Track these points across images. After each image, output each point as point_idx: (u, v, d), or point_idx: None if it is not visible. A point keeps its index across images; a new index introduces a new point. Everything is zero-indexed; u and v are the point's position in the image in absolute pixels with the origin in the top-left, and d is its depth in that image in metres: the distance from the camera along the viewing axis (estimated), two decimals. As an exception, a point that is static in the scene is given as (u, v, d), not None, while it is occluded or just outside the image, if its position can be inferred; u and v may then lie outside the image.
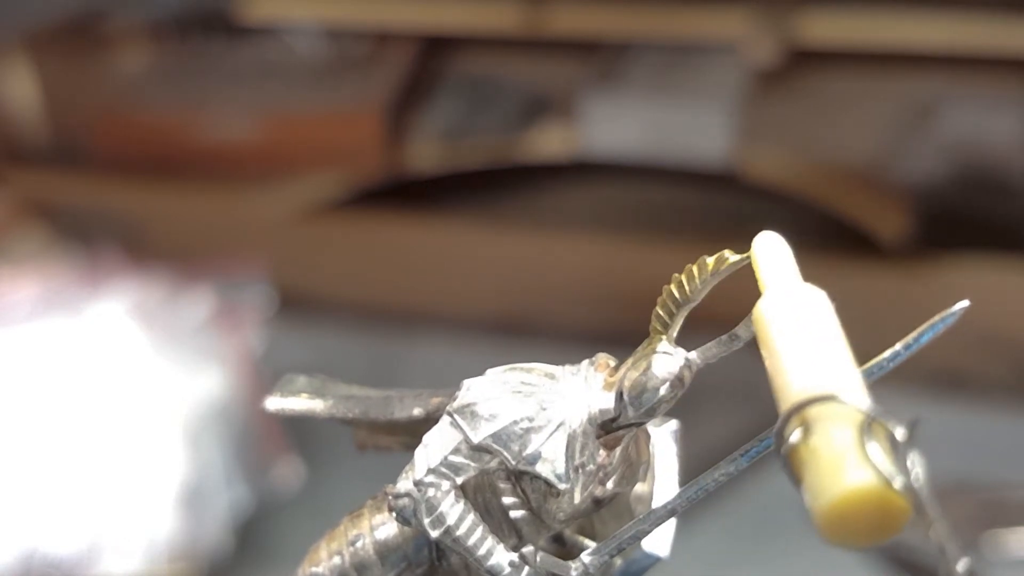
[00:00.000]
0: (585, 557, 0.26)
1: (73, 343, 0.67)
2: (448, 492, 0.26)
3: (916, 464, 0.21)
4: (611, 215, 0.91)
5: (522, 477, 0.26)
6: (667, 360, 0.25)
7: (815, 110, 0.89)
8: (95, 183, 0.96)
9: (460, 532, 0.26)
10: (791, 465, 0.22)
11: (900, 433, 0.21)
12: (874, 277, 0.79)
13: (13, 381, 0.66)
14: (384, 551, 0.28)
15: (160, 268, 0.74)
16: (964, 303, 0.24)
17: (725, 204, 0.89)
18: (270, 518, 0.69)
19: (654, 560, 0.27)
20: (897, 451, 0.21)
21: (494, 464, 0.26)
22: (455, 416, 0.26)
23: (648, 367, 0.25)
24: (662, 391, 0.25)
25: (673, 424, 0.29)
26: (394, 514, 0.26)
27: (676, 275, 0.25)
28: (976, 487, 0.68)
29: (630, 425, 0.26)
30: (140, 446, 0.65)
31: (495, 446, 0.25)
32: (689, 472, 0.28)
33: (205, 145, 0.95)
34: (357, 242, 0.91)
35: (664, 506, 0.26)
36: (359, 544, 0.28)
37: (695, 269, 0.25)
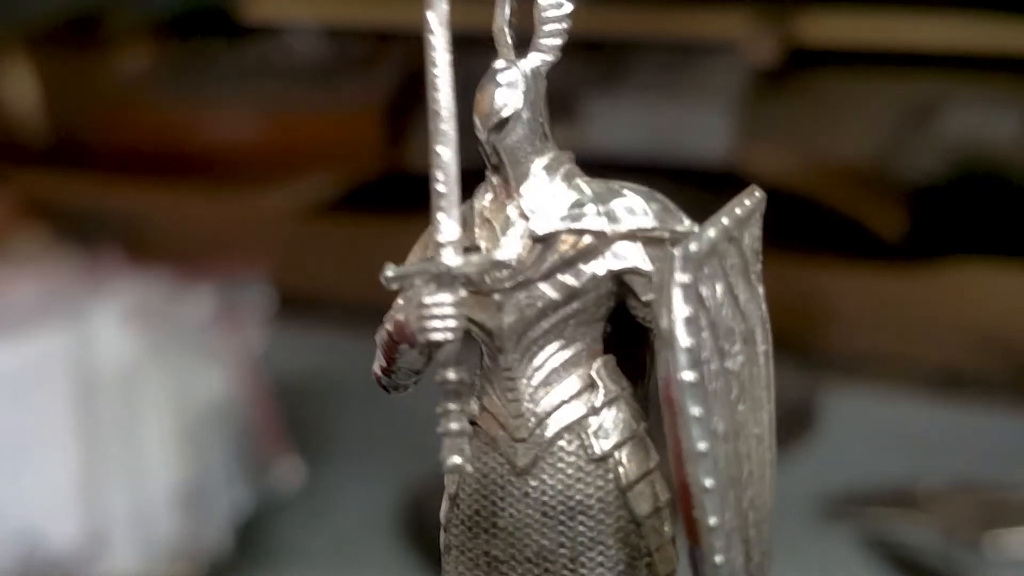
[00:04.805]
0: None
1: (73, 343, 0.67)
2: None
3: None
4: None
5: None
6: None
7: (815, 110, 0.89)
8: (95, 183, 0.96)
9: None
10: None
11: None
12: (874, 277, 0.79)
13: (13, 381, 0.66)
14: None
15: (160, 268, 0.74)
16: None
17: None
18: (270, 518, 0.69)
19: None
20: None
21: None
22: None
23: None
24: None
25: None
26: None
27: None
28: (976, 487, 0.68)
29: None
30: (140, 446, 0.65)
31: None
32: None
33: (205, 145, 0.95)
34: (357, 242, 0.91)
35: None
36: None
37: None
